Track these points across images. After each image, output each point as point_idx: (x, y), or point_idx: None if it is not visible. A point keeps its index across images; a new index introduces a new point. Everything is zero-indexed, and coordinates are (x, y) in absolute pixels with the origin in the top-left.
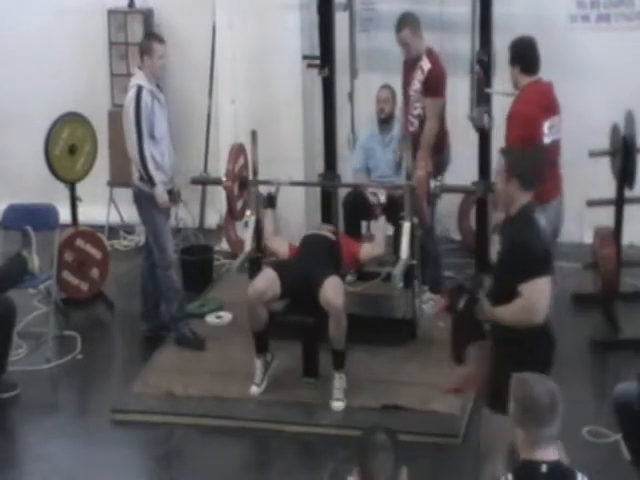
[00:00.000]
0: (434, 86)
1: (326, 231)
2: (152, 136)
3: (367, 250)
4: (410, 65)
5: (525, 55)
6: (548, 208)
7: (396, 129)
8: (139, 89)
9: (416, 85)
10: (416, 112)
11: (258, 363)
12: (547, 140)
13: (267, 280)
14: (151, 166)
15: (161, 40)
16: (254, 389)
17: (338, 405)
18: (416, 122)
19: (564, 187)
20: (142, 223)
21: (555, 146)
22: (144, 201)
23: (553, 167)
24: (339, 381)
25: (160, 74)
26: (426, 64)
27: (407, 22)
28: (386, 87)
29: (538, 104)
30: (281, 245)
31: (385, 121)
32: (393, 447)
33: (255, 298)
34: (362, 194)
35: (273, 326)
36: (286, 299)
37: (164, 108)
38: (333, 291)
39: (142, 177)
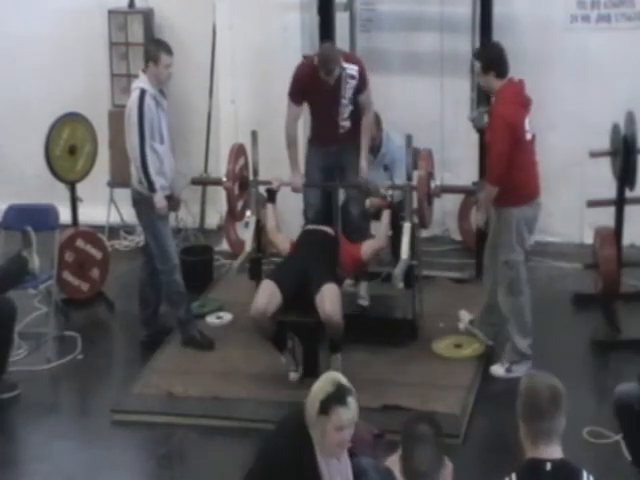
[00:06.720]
0: (366, 78)
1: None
2: (153, 140)
3: (369, 245)
4: (334, 85)
5: (499, 60)
6: (533, 207)
7: (386, 146)
8: (142, 93)
9: (348, 93)
10: (346, 115)
11: (283, 357)
12: (529, 136)
13: (267, 295)
14: (152, 171)
15: (169, 51)
16: (292, 375)
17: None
18: (348, 123)
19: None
20: (142, 229)
21: (533, 143)
22: (143, 205)
23: (533, 166)
24: (335, 362)
25: (166, 83)
26: (352, 69)
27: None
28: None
29: (517, 103)
30: (283, 241)
31: (376, 148)
32: (435, 439)
33: (259, 316)
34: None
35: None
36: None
37: (166, 114)
38: (331, 304)
39: (141, 181)
